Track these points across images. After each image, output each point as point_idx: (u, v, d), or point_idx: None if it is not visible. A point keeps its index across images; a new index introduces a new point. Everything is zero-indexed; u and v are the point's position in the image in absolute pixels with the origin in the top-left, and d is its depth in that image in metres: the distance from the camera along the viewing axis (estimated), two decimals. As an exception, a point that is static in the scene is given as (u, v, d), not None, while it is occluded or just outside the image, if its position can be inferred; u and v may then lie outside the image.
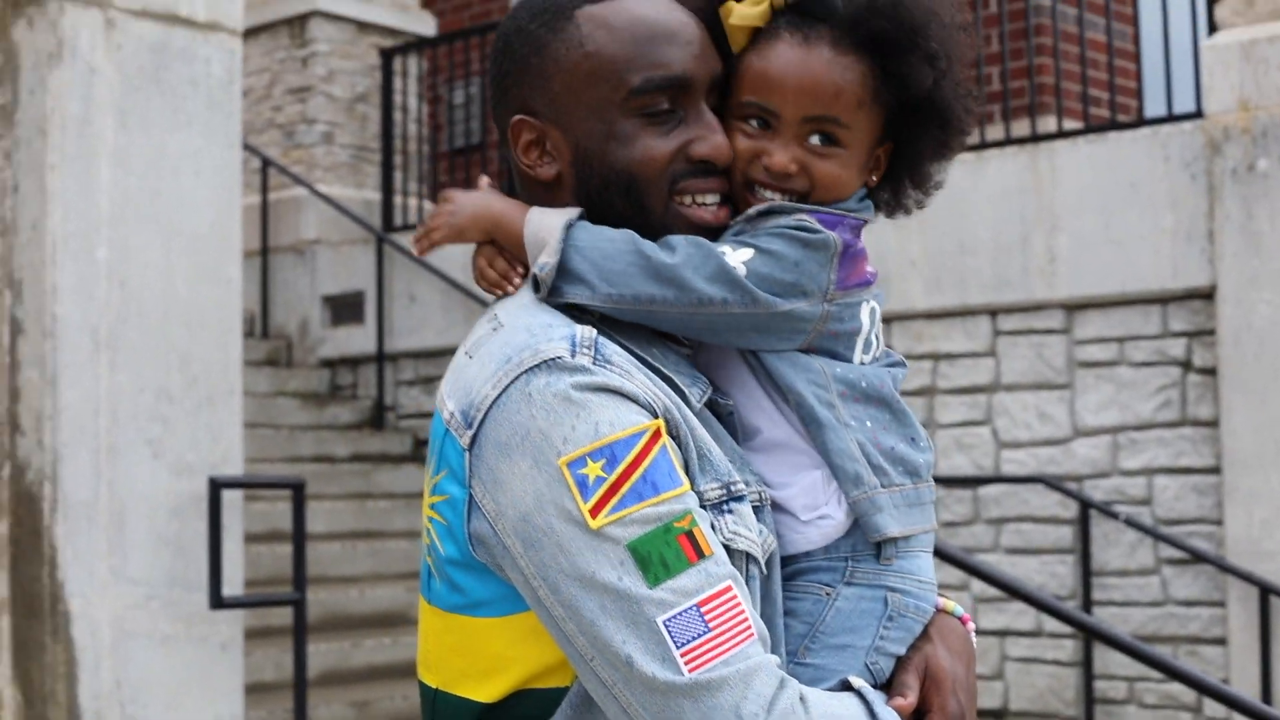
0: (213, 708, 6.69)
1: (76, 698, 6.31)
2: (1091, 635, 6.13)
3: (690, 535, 1.80)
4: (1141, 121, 9.42)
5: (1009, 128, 9.99)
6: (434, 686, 1.98)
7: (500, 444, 1.84)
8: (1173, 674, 5.71)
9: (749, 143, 2.06)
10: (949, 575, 9.37)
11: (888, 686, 2.00)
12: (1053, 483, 9.14)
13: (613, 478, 1.80)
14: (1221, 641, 8.83)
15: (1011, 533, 9.50)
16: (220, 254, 6.95)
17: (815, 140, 2.06)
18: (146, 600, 6.51)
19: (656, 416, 1.86)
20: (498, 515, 1.85)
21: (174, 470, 6.61)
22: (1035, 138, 9.65)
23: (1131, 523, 8.93)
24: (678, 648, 1.76)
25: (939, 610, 2.09)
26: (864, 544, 2.03)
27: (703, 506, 1.86)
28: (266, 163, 12.86)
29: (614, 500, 1.79)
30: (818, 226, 2.00)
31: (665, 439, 1.84)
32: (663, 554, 1.78)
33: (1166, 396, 9.04)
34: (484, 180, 2.15)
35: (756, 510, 1.94)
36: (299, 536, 6.87)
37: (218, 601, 6.48)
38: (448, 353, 10.19)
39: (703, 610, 1.77)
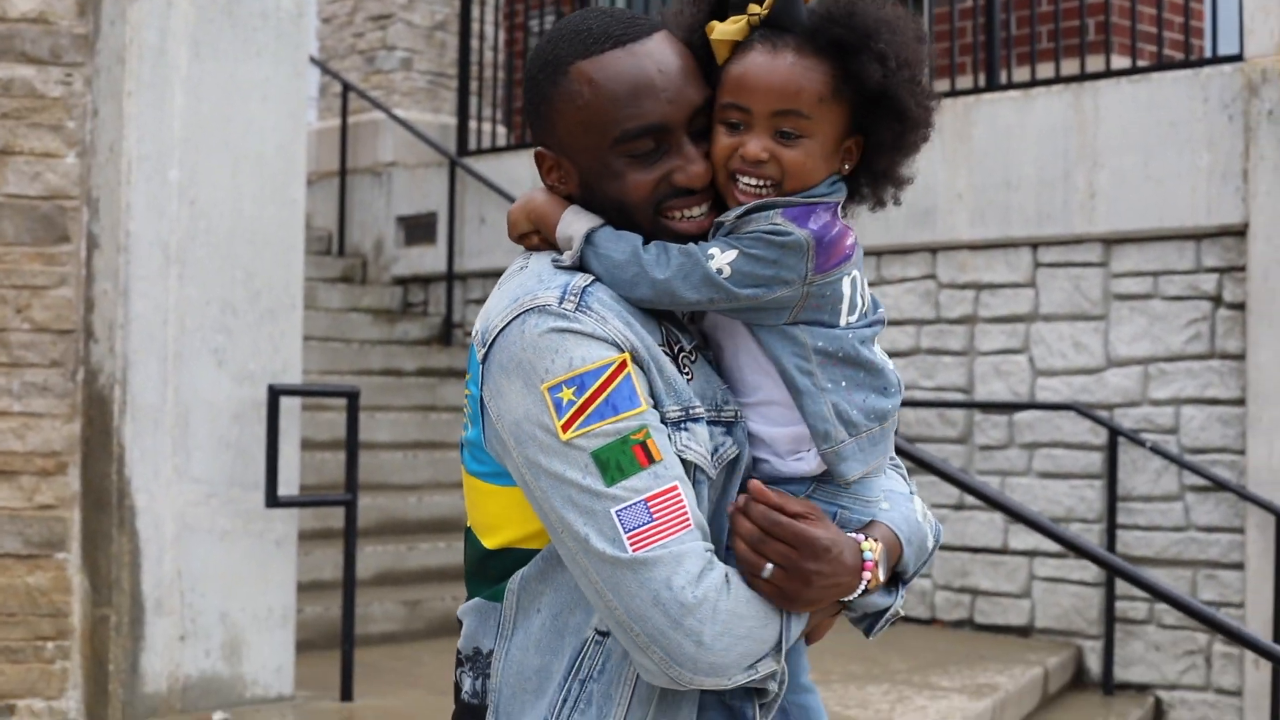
0: (266, 598, 7.14)
1: (140, 585, 6.78)
2: (1111, 571, 6.41)
3: (644, 445, 2.24)
4: (1183, 63, 9.64)
5: (1059, 66, 10.24)
6: (468, 526, 2.52)
7: (501, 365, 2.30)
8: (1183, 608, 6.05)
9: (729, 139, 2.38)
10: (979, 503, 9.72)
11: None
12: (1084, 410, 9.42)
13: (581, 401, 2.24)
14: (1239, 566, 9.12)
15: (1044, 457, 9.81)
16: (285, 176, 7.35)
17: (783, 132, 2.36)
18: (207, 497, 6.96)
19: (623, 351, 2.28)
20: (498, 417, 2.31)
21: (236, 378, 7.05)
22: (1081, 77, 9.89)
23: (1158, 450, 9.20)
24: (625, 532, 2.21)
25: (859, 536, 2.45)
26: (829, 474, 2.48)
27: (664, 423, 2.30)
28: (347, 87, 13.26)
29: (581, 418, 2.24)
30: (789, 229, 2.33)
31: (631, 369, 2.27)
32: (619, 460, 2.23)
33: (1197, 330, 9.31)
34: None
35: (730, 426, 2.40)
36: (352, 442, 7.31)
37: (273, 500, 6.94)
38: (512, 273, 10.63)
39: (649, 504, 2.22)
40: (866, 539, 2.40)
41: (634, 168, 2.37)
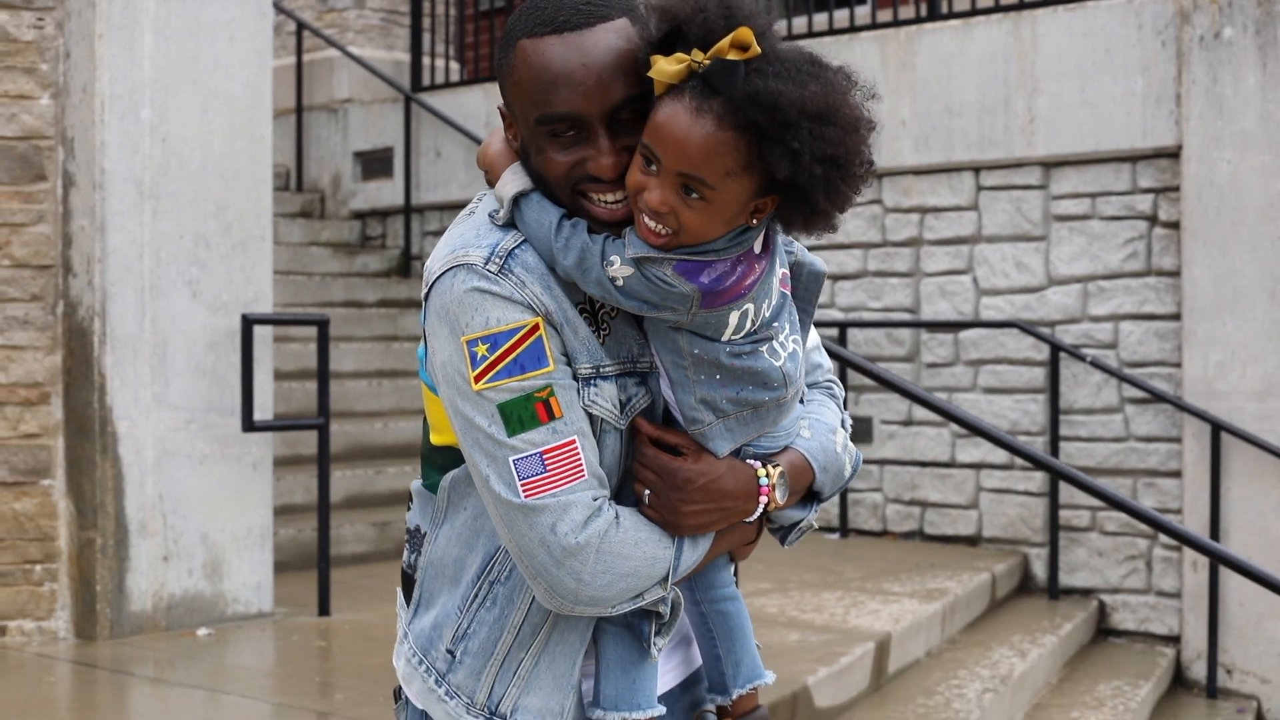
0: (244, 518, 7.43)
1: (124, 509, 7.05)
2: (1054, 474, 6.71)
3: (546, 403, 2.45)
4: (1119, -10, 9.93)
5: (999, -6, 10.54)
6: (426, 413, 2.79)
7: (435, 310, 2.51)
8: (1125, 509, 6.37)
9: (640, 176, 2.42)
10: (931, 414, 10.06)
11: None
12: (1027, 328, 9.74)
13: (493, 358, 2.43)
14: (1177, 474, 9.49)
15: (988, 373, 10.14)
16: (252, 112, 7.58)
17: (685, 191, 2.39)
18: (186, 423, 7.23)
19: (537, 315, 2.46)
20: (432, 353, 2.54)
21: (210, 308, 7.31)
22: (1019, 5, 10.15)
23: (1098, 365, 9.55)
24: (520, 480, 2.44)
25: (755, 464, 2.69)
26: None
27: (576, 378, 2.49)
28: (301, 26, 13.38)
29: (491, 373, 2.44)
30: (676, 282, 2.43)
31: (543, 331, 2.45)
32: (521, 414, 2.44)
33: (1133, 248, 9.64)
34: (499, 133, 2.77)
35: (645, 377, 2.58)
36: (323, 368, 7.57)
37: (249, 425, 7.21)
38: (470, 206, 10.87)
39: (544, 456, 2.44)
40: (764, 465, 2.62)
41: (554, 147, 2.49)
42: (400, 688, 2.78)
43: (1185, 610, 9.43)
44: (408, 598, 2.76)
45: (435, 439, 2.68)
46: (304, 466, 9.20)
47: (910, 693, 7.26)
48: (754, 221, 2.49)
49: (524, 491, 2.43)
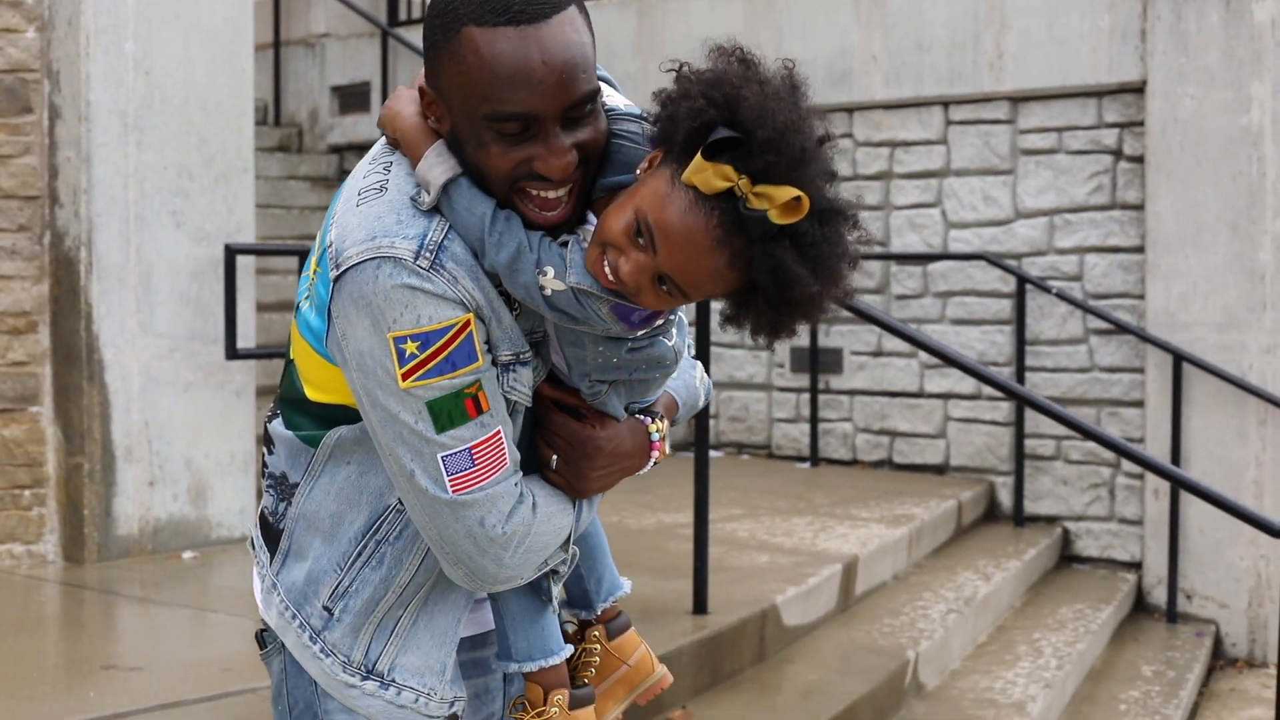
0: (228, 444, 7.60)
1: (110, 435, 7.20)
2: (1021, 402, 6.84)
3: (475, 399, 2.39)
4: (1086, -73, 10.07)
5: (968, -69, 10.66)
6: (291, 359, 2.65)
7: (353, 297, 2.37)
8: (1090, 435, 6.53)
9: (620, 237, 2.35)
10: (900, 345, 10.24)
11: None
12: (994, 260, 9.91)
13: (423, 356, 2.35)
14: (1139, 404, 9.69)
15: (956, 305, 10.33)
16: (234, 46, 7.70)
17: (659, 282, 2.35)
18: (170, 351, 7.38)
19: (469, 311, 2.38)
20: (343, 337, 2.42)
21: (194, 238, 7.44)
22: (989, -59, 10.32)
23: (1063, 296, 9.73)
24: (448, 475, 2.40)
25: (647, 420, 2.78)
26: None
27: (495, 364, 2.44)
28: (278, -41, 13.47)
29: (421, 371, 2.35)
30: (609, 320, 2.45)
31: (473, 326, 2.37)
32: (451, 411, 2.38)
33: (1099, 182, 9.82)
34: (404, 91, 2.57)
35: (539, 345, 2.54)
36: (304, 298, 7.71)
37: (233, 353, 7.31)
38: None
39: (472, 451, 2.40)
40: (654, 421, 2.69)
41: (499, 143, 2.36)
42: (262, 633, 2.75)
43: (1147, 537, 9.65)
44: (270, 545, 2.68)
45: (315, 395, 2.59)
46: (284, 396, 9.32)
47: (876, 613, 7.45)
48: None
49: (452, 487, 2.41)
